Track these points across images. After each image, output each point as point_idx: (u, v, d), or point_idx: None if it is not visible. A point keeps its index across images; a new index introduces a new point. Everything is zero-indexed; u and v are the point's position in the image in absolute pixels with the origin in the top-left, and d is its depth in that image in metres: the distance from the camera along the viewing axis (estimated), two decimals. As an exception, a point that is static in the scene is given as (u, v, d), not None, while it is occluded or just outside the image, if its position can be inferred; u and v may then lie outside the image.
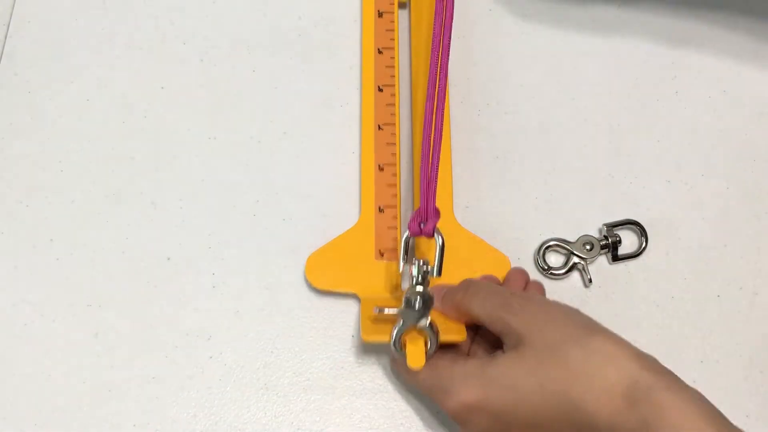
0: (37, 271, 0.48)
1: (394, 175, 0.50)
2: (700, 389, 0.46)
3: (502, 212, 0.51)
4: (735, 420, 0.45)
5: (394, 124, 0.51)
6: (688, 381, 0.46)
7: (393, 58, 0.53)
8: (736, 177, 0.52)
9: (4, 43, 0.55)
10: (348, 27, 0.56)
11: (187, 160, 0.52)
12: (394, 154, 0.50)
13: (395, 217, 0.49)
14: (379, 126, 0.51)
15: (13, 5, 0.56)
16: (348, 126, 0.53)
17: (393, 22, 0.54)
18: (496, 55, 0.56)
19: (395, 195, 0.49)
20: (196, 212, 0.50)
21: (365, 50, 0.54)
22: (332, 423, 0.45)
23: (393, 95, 0.52)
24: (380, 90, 0.52)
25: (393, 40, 0.54)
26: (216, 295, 0.48)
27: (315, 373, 0.46)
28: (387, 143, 0.51)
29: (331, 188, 0.51)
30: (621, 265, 0.49)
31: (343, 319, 0.48)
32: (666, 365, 0.46)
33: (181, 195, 0.51)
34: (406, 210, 0.50)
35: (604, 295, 0.48)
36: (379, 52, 0.53)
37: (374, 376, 0.46)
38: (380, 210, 0.49)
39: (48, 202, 0.50)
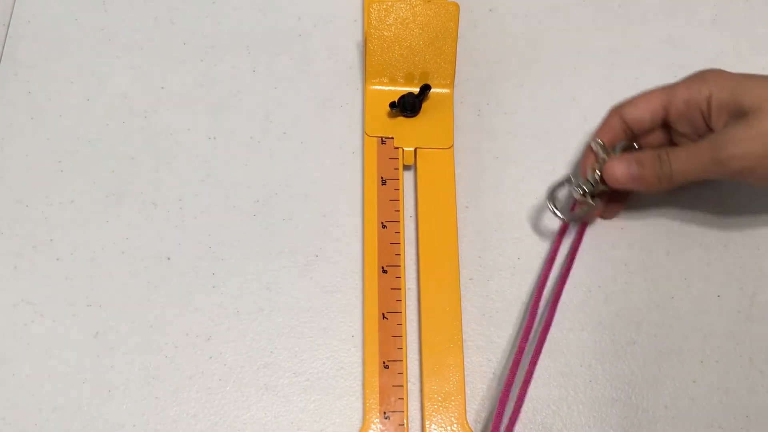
0: (37, 271, 0.48)
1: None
2: (700, 389, 0.46)
3: (502, 212, 0.51)
4: (735, 420, 0.45)
5: (401, 312, 0.47)
6: (688, 381, 0.46)
7: (398, 233, 0.49)
8: (736, 177, 0.52)
9: (4, 43, 0.55)
10: (348, 27, 0.56)
11: (187, 160, 0.52)
12: (400, 349, 0.46)
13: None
14: (383, 315, 0.47)
15: (13, 5, 0.56)
16: (348, 126, 0.53)
17: (398, 190, 0.50)
18: (496, 55, 0.56)
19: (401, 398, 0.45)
20: (196, 212, 0.50)
21: (367, 225, 0.49)
22: (332, 423, 0.45)
23: (398, 277, 0.48)
24: (384, 271, 0.48)
25: (398, 211, 0.49)
26: (216, 295, 0.48)
27: (315, 373, 0.46)
28: (392, 335, 0.46)
29: (331, 188, 0.51)
30: (621, 265, 0.49)
31: (342, 319, 0.48)
32: (666, 365, 0.47)
33: (181, 195, 0.51)
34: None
35: (604, 296, 0.48)
36: (383, 227, 0.49)
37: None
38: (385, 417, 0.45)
39: (48, 202, 0.50)
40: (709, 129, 0.45)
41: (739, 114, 0.43)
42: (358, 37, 0.56)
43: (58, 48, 0.55)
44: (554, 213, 0.48)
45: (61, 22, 0.56)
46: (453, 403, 0.45)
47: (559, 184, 0.49)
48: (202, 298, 0.48)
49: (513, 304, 0.48)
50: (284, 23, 0.56)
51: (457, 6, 0.51)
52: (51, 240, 0.49)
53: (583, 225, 0.50)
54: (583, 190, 0.47)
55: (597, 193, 0.48)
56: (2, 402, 0.45)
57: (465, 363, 0.46)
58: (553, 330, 0.47)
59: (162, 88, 0.54)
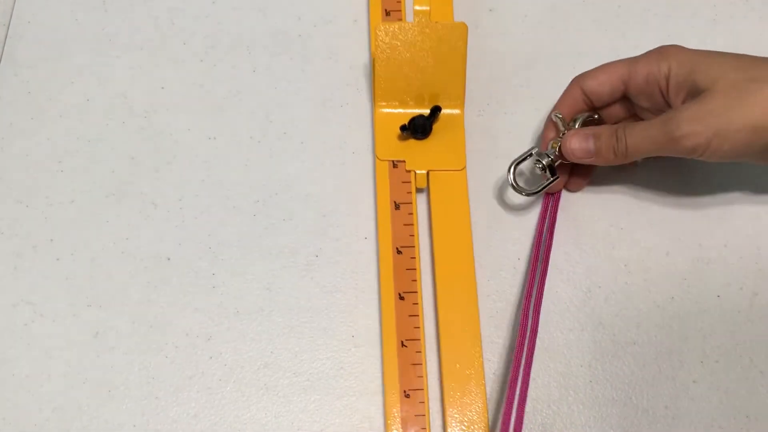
0: (37, 271, 0.48)
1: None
2: (700, 389, 0.46)
3: (503, 212, 0.51)
4: (735, 420, 0.45)
5: (420, 339, 0.46)
6: (688, 381, 0.46)
7: (414, 258, 0.48)
8: (736, 176, 0.52)
9: (4, 43, 0.55)
10: (348, 27, 0.56)
11: (187, 160, 0.52)
12: (420, 377, 0.45)
13: None
14: (402, 342, 0.46)
15: (13, 5, 0.56)
16: (348, 126, 0.53)
17: (411, 214, 0.49)
18: (496, 55, 0.56)
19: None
20: (196, 212, 0.50)
21: (382, 251, 0.48)
22: (332, 423, 0.45)
23: (416, 304, 0.47)
24: (401, 298, 0.47)
25: (413, 236, 0.48)
26: (216, 295, 0.48)
27: (315, 373, 0.46)
28: (412, 363, 0.45)
29: (331, 188, 0.51)
30: (621, 265, 0.49)
31: (342, 319, 0.48)
32: (666, 365, 0.47)
33: (181, 195, 0.51)
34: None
35: (603, 296, 0.48)
36: (398, 252, 0.48)
37: (374, 376, 0.46)
38: None
39: (48, 202, 0.50)
40: (668, 105, 0.46)
41: (695, 93, 0.44)
42: (358, 37, 0.56)
43: (58, 48, 0.55)
44: (514, 188, 0.48)
45: (61, 22, 0.56)
46: None
47: (522, 159, 0.49)
48: (202, 298, 0.48)
49: (513, 304, 0.48)
50: (284, 23, 0.56)
51: (465, 26, 0.50)
52: (51, 240, 0.49)
53: (555, 200, 0.50)
54: (542, 165, 0.48)
55: (557, 167, 0.48)
56: (2, 402, 0.45)
57: (465, 363, 0.46)
58: (553, 330, 0.47)
59: (162, 88, 0.54)
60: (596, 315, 0.48)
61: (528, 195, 0.49)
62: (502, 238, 0.50)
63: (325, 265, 0.49)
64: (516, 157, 0.49)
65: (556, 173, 0.49)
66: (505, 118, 0.54)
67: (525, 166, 0.51)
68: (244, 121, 0.53)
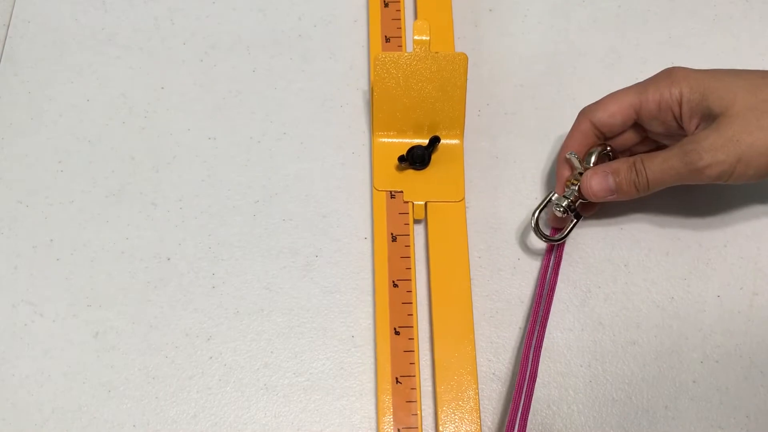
0: (37, 271, 0.48)
1: None
2: (700, 389, 0.46)
3: (502, 212, 0.51)
4: (735, 420, 0.45)
5: (414, 376, 0.45)
6: (688, 381, 0.46)
7: (410, 292, 0.47)
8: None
9: (4, 43, 0.55)
10: (348, 27, 0.56)
11: (187, 160, 0.52)
12: (415, 415, 0.44)
13: None
14: (397, 379, 0.45)
15: (13, 5, 0.56)
16: (348, 126, 0.53)
17: (408, 247, 0.48)
18: (496, 55, 0.56)
19: None
20: (196, 212, 0.50)
21: (378, 283, 0.47)
22: (332, 423, 0.45)
23: (411, 339, 0.46)
24: (397, 333, 0.46)
25: (410, 269, 0.48)
26: (216, 295, 0.48)
27: (315, 374, 0.46)
28: (407, 401, 0.44)
29: (331, 188, 0.51)
30: (621, 265, 0.49)
31: (342, 319, 0.48)
32: (666, 365, 0.47)
33: (181, 195, 0.51)
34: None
35: (604, 296, 0.49)
36: (395, 285, 0.47)
37: (374, 377, 0.46)
38: None
39: (48, 202, 0.50)
40: (681, 128, 0.46)
41: (709, 117, 0.44)
42: (358, 37, 0.56)
43: (58, 48, 0.55)
44: (540, 237, 0.48)
45: (61, 22, 0.56)
46: None
47: (542, 207, 0.48)
48: (202, 298, 0.48)
49: (513, 304, 0.48)
50: (284, 23, 0.56)
51: (466, 57, 0.49)
52: (51, 240, 0.49)
53: (559, 252, 0.49)
54: (564, 208, 0.47)
55: (578, 207, 0.48)
56: (2, 402, 0.45)
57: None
58: (553, 330, 0.47)
59: (162, 88, 0.54)
60: (596, 315, 0.48)
61: (552, 242, 0.48)
62: (502, 238, 0.50)
63: (325, 265, 0.49)
64: (535, 206, 0.48)
65: (579, 214, 0.48)
66: (505, 117, 0.54)
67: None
68: (244, 121, 0.53)
